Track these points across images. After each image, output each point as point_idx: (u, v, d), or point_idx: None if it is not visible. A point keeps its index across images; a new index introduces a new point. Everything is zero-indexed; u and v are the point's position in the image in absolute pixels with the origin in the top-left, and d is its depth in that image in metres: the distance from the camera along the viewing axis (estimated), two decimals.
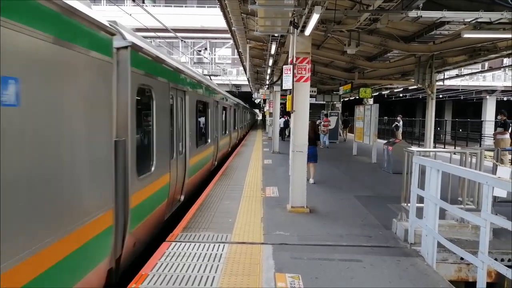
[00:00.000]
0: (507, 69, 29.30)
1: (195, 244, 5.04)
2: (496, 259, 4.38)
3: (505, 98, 37.04)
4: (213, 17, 36.25)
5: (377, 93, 24.54)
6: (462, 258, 4.70)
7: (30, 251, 2.56)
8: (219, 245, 5.05)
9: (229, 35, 14.57)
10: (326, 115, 22.45)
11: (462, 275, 4.99)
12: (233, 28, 10.58)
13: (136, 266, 4.59)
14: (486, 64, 23.77)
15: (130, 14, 12.58)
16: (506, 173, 5.55)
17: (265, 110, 31.94)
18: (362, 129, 15.06)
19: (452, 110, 44.27)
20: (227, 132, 16.23)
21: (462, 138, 24.48)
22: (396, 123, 21.67)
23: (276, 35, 9.60)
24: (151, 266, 4.30)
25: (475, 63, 12.94)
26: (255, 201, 7.55)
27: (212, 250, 4.84)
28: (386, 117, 30.72)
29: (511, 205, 5.88)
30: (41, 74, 2.72)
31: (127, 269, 4.57)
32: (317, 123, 20.82)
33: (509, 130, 12.14)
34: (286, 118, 23.97)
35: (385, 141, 14.49)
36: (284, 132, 23.51)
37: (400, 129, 21.63)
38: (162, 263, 4.39)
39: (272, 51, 11.60)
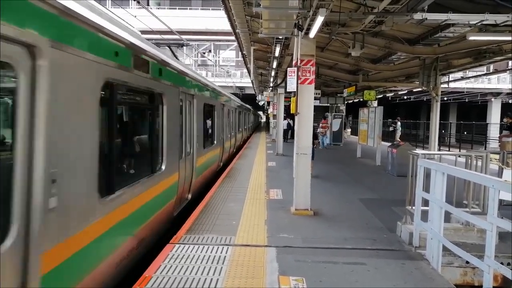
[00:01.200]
0: None
1: (198, 246, 5.04)
2: (502, 263, 4.33)
3: (510, 101, 36.82)
4: (218, 20, 36.24)
5: (381, 96, 24.51)
6: (467, 262, 4.67)
7: None
8: (223, 247, 5.04)
9: (233, 38, 14.60)
10: (325, 117, 22.46)
11: (467, 279, 4.95)
12: (237, 31, 10.60)
13: (140, 268, 4.59)
14: (491, 67, 23.66)
15: (135, 16, 12.64)
16: None
17: (269, 112, 31.94)
18: (366, 132, 15.03)
19: (456, 112, 44.09)
20: (240, 129, 21.52)
21: (467, 141, 24.37)
22: (393, 125, 21.68)
23: (280, 37, 9.61)
24: (155, 268, 4.29)
25: (480, 65, 12.89)
26: (259, 204, 7.54)
27: (216, 253, 4.83)
28: (390, 120, 30.64)
29: None
30: None
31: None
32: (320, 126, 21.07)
33: None
34: (288, 120, 23.98)
35: (389, 144, 14.44)
36: (287, 134, 23.56)
37: (399, 132, 21.66)
38: (166, 265, 4.39)
39: (277, 54, 11.62)
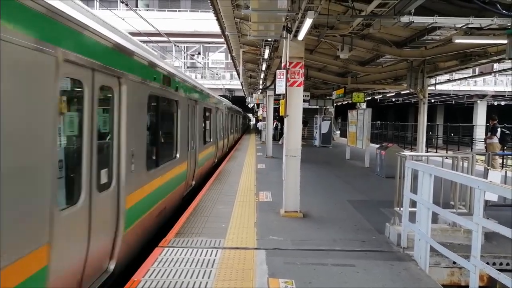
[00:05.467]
0: (497, 74, 29.70)
1: (188, 250, 5.01)
2: (488, 263, 4.39)
3: (495, 103, 37.45)
4: (207, 22, 36.26)
5: (370, 98, 24.71)
6: (454, 262, 4.72)
7: None
8: (212, 250, 5.02)
9: (222, 40, 14.60)
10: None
11: (454, 279, 5.01)
12: (226, 33, 10.59)
13: (129, 272, 4.54)
14: (477, 69, 24.05)
15: (123, 19, 12.55)
16: (497, 177, 5.61)
17: (258, 114, 31.94)
18: (355, 134, 15.12)
19: (444, 114, 44.69)
20: (234, 130, 24.71)
21: (454, 143, 24.71)
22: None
23: (269, 39, 9.62)
24: (144, 272, 4.25)
25: (466, 68, 13.08)
26: (249, 206, 7.53)
27: (205, 256, 4.81)
28: (379, 121, 30.89)
29: (507, 208, 5.92)
30: None
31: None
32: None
33: (497, 135, 12.30)
34: (275, 124, 24.22)
35: (377, 146, 14.56)
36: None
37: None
38: (155, 269, 4.35)
39: (266, 56, 11.63)
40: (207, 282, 4.03)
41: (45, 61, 2.76)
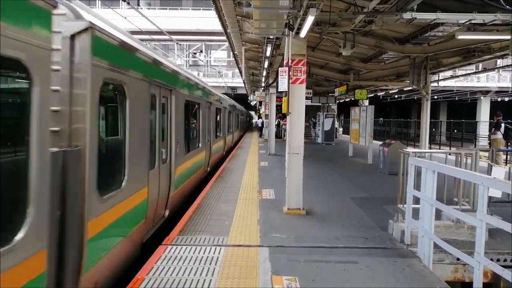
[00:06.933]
0: (501, 70, 29.51)
1: (191, 247, 5.02)
2: (492, 259, 4.38)
3: (499, 99, 37.25)
4: (209, 20, 36.17)
5: (372, 95, 24.70)
6: (458, 259, 4.72)
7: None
8: (216, 248, 5.03)
9: (224, 38, 14.60)
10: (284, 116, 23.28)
11: (458, 275, 5.00)
12: (228, 31, 10.60)
13: (133, 270, 4.56)
14: (480, 65, 23.93)
15: (125, 17, 12.56)
16: (500, 173, 5.60)
17: (261, 112, 31.90)
18: (357, 131, 15.10)
19: (447, 111, 44.49)
20: (238, 127, 26.80)
21: (457, 139, 24.60)
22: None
23: (271, 37, 9.61)
24: (147, 270, 4.27)
25: (469, 64, 13.03)
26: (252, 204, 7.53)
27: (209, 253, 4.82)
28: (382, 118, 30.75)
29: (510, 205, 5.91)
30: None
31: None
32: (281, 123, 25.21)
33: (501, 130, 12.25)
34: (277, 121, 24.29)
35: (380, 143, 14.54)
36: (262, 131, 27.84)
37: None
38: (159, 267, 4.37)
39: (268, 53, 11.62)
40: (210, 280, 4.04)
41: (145, 85, 4.92)
